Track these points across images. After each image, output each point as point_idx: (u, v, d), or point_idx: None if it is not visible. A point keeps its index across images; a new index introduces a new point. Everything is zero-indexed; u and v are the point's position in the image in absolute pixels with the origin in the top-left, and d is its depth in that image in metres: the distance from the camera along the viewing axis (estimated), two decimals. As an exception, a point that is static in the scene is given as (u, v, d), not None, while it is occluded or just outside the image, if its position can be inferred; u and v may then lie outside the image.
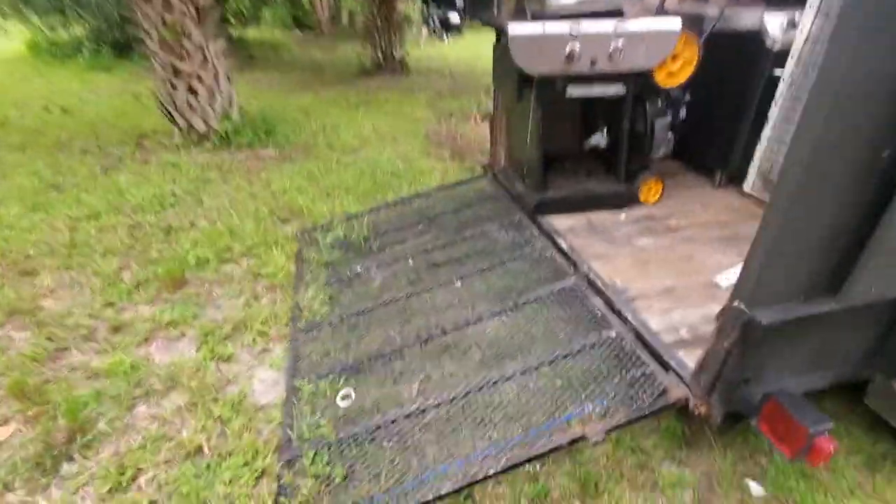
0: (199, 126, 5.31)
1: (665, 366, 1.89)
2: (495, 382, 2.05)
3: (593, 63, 2.55)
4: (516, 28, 2.44)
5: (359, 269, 3.06)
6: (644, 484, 1.93)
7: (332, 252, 3.26)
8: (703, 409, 1.70)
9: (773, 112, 2.71)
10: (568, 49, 2.45)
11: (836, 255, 1.38)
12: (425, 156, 5.16)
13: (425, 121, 6.40)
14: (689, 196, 3.28)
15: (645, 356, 1.95)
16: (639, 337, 2.05)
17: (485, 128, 6.14)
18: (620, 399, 1.83)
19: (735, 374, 1.57)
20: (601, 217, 3.03)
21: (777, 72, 2.64)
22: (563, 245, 2.71)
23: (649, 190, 3.13)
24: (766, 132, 2.94)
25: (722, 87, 3.04)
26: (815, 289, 1.46)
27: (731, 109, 3.06)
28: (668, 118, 2.87)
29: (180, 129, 5.34)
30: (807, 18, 2.40)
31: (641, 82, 2.71)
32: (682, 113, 3.07)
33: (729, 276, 2.38)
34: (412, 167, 4.81)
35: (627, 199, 3.09)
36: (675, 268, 2.52)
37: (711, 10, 2.83)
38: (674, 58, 2.63)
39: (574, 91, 2.70)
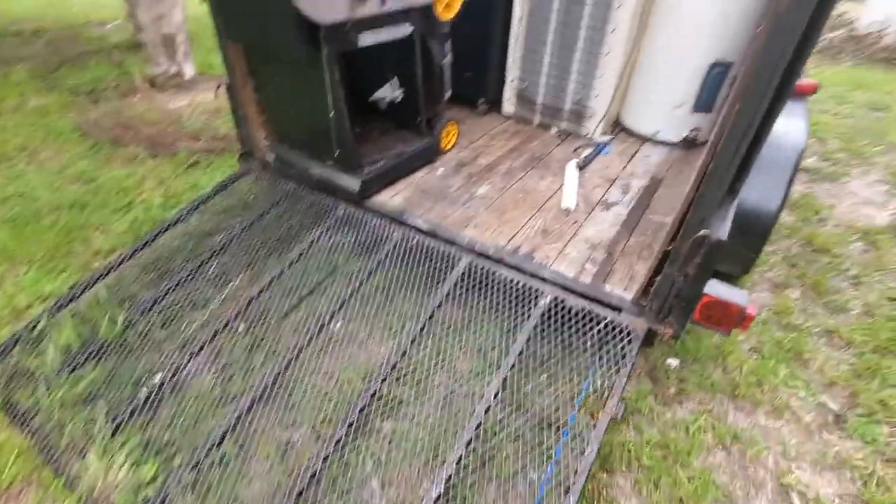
0: None
1: (613, 307, 1.92)
2: (483, 421, 1.68)
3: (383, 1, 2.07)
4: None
5: (156, 379, 1.91)
6: (624, 416, 2.02)
7: (75, 376, 1.92)
8: (669, 331, 1.82)
9: (512, 41, 3.09)
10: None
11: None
12: (108, 163, 3.48)
13: (58, 109, 4.26)
14: (468, 131, 3.28)
15: (595, 308, 1.92)
16: (569, 290, 2.00)
17: (163, 99, 4.60)
18: (605, 361, 1.78)
19: (698, 290, 1.71)
20: (423, 179, 2.73)
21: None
22: (421, 225, 2.33)
23: (447, 135, 2.96)
24: (511, 60, 3.19)
25: (469, 21, 3.00)
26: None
27: (481, 41, 3.14)
28: (451, 55, 2.67)
29: None
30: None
31: (423, 21, 2.38)
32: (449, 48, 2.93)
33: (569, 199, 2.54)
34: (102, 187, 3.18)
35: (435, 152, 2.86)
36: (527, 205, 2.53)
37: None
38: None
39: (367, 38, 2.16)
